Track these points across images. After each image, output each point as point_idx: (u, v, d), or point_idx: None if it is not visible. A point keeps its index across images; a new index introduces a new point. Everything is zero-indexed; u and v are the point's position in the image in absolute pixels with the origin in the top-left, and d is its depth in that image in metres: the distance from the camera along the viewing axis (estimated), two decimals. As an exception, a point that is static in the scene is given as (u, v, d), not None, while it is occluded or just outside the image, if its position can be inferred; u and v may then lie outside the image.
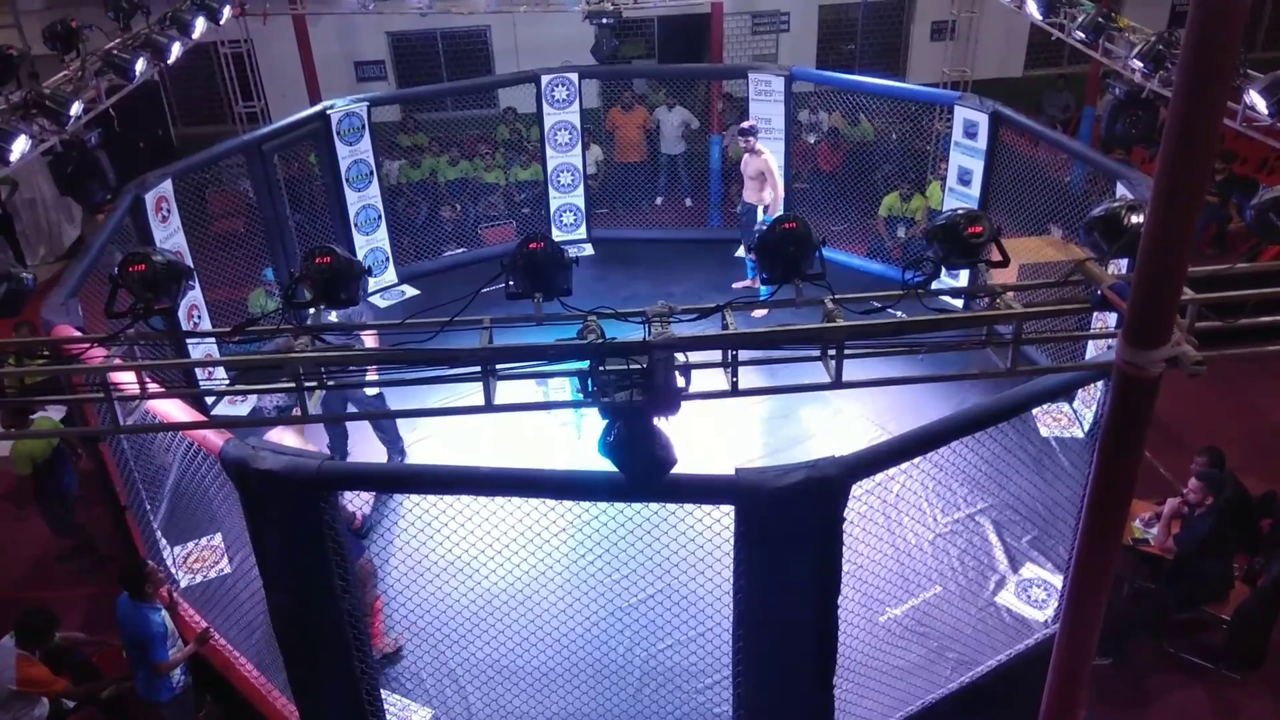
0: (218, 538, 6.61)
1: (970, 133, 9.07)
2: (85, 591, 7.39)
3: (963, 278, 8.69)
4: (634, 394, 3.34)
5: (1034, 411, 7.28)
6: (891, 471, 4.71)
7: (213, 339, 7.47)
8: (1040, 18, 8.13)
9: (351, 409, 7.26)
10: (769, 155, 9.59)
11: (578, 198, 11.20)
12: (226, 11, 9.04)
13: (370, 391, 6.76)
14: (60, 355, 4.15)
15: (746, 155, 9.58)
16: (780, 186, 9.54)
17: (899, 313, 3.94)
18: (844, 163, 11.64)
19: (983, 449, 5.28)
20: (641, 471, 3.60)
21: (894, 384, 3.90)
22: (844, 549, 4.17)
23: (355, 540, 5.52)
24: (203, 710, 5.95)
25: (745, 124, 9.66)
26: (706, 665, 5.36)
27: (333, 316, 5.94)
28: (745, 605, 4.19)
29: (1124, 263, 5.29)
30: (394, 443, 7.60)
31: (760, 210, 9.62)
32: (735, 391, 3.73)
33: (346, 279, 3.75)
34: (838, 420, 7.82)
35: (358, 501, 5.99)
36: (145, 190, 7.50)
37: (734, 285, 10.03)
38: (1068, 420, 7.56)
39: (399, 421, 7.61)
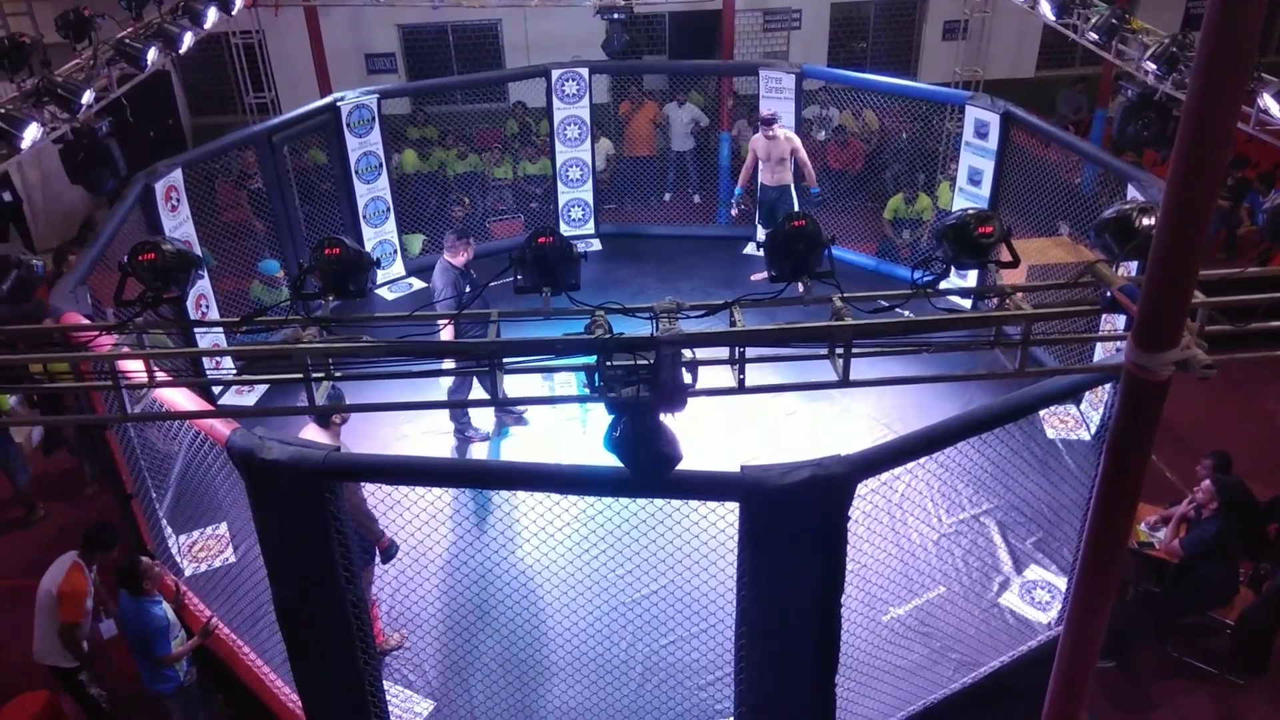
0: (223, 527, 6.64)
1: (981, 133, 9.04)
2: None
3: (972, 278, 8.67)
4: (640, 390, 3.34)
5: (1041, 413, 7.27)
6: (897, 471, 4.70)
7: (220, 329, 7.49)
8: (1053, 18, 8.10)
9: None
10: (791, 134, 9.76)
11: (586, 193, 11.20)
12: (238, 2, 9.05)
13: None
14: (69, 342, 4.17)
15: (765, 141, 9.67)
16: (808, 161, 9.71)
17: (907, 312, 3.94)
18: (863, 162, 11.64)
19: (989, 450, 5.27)
20: (647, 467, 3.60)
21: (901, 383, 3.89)
22: (848, 547, 4.17)
23: (365, 555, 5.38)
24: (214, 708, 5.98)
25: (765, 114, 9.75)
26: (709, 661, 5.38)
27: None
28: (748, 602, 4.18)
29: (1134, 265, 5.28)
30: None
31: (792, 189, 9.75)
32: (742, 389, 3.73)
33: (355, 270, 3.76)
34: (844, 419, 7.82)
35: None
36: (155, 180, 7.53)
37: (752, 278, 9.76)
38: (1075, 422, 7.54)
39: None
